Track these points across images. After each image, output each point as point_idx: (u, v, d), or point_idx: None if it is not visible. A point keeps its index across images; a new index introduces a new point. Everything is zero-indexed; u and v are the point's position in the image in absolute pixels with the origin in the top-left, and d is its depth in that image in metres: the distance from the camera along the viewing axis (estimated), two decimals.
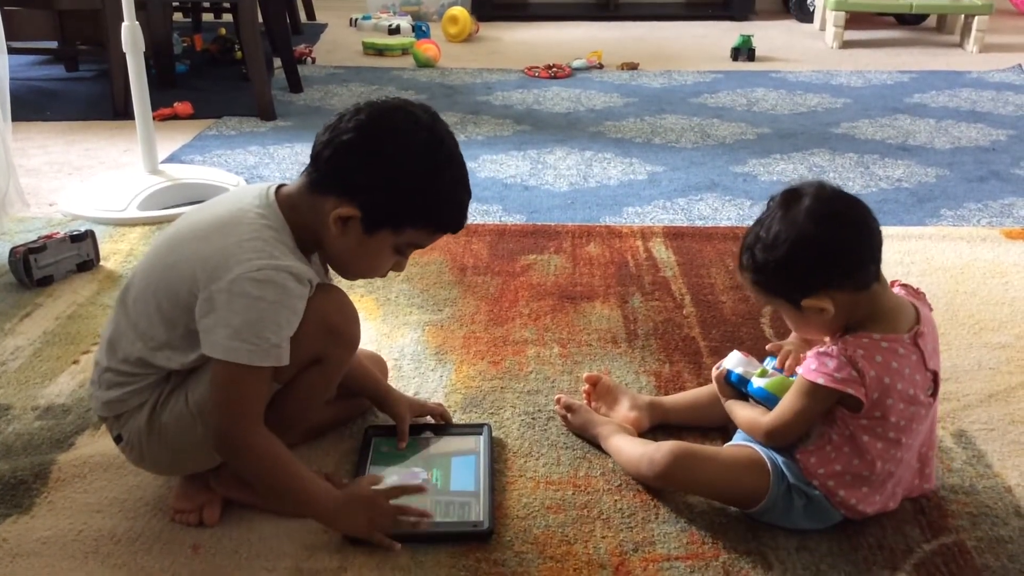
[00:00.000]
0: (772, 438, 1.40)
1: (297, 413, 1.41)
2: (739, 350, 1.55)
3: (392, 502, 1.40)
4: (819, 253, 1.32)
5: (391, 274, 1.45)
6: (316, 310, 1.32)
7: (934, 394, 1.38)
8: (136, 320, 1.35)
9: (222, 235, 1.31)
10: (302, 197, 1.34)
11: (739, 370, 1.50)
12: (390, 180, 1.30)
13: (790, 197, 1.35)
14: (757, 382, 1.45)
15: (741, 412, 1.47)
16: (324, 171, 1.32)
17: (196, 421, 1.34)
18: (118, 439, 1.43)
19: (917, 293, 1.43)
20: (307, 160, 1.35)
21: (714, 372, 1.54)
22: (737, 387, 1.50)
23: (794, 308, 1.37)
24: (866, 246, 1.34)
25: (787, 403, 1.38)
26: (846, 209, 1.35)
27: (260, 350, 1.26)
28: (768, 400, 1.43)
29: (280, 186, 1.38)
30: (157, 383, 1.37)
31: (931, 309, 1.42)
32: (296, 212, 1.34)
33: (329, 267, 1.45)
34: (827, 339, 1.38)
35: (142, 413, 1.37)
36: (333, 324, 1.36)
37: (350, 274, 1.44)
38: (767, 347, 1.56)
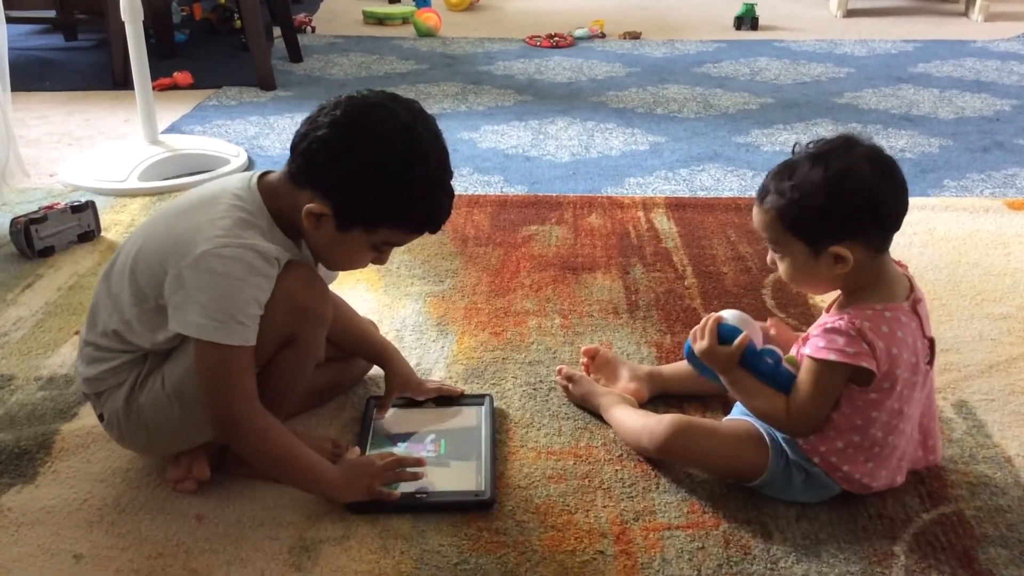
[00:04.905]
0: (798, 427, 1.36)
1: (277, 397, 1.39)
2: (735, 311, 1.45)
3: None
4: (869, 196, 1.29)
5: None
6: (283, 288, 1.31)
7: (931, 361, 1.38)
8: (117, 293, 1.37)
9: (196, 213, 1.33)
10: (283, 186, 1.35)
11: (761, 346, 1.39)
12: (360, 180, 1.28)
13: (850, 140, 1.33)
14: (793, 370, 1.37)
15: (758, 402, 1.38)
16: (299, 164, 1.32)
17: (172, 403, 1.35)
18: (100, 417, 1.44)
19: (899, 264, 1.41)
20: None
21: (705, 341, 1.40)
22: (753, 363, 1.37)
23: (809, 255, 1.32)
24: (904, 209, 1.33)
25: (803, 388, 1.33)
26: (897, 167, 1.33)
27: (226, 327, 1.26)
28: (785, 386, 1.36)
29: (266, 173, 1.39)
30: (134, 363, 1.38)
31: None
32: (278, 200, 1.34)
33: None
34: (825, 311, 1.38)
35: (120, 393, 1.38)
36: (300, 302, 1.34)
37: (329, 265, 1.45)
38: (769, 323, 1.52)
